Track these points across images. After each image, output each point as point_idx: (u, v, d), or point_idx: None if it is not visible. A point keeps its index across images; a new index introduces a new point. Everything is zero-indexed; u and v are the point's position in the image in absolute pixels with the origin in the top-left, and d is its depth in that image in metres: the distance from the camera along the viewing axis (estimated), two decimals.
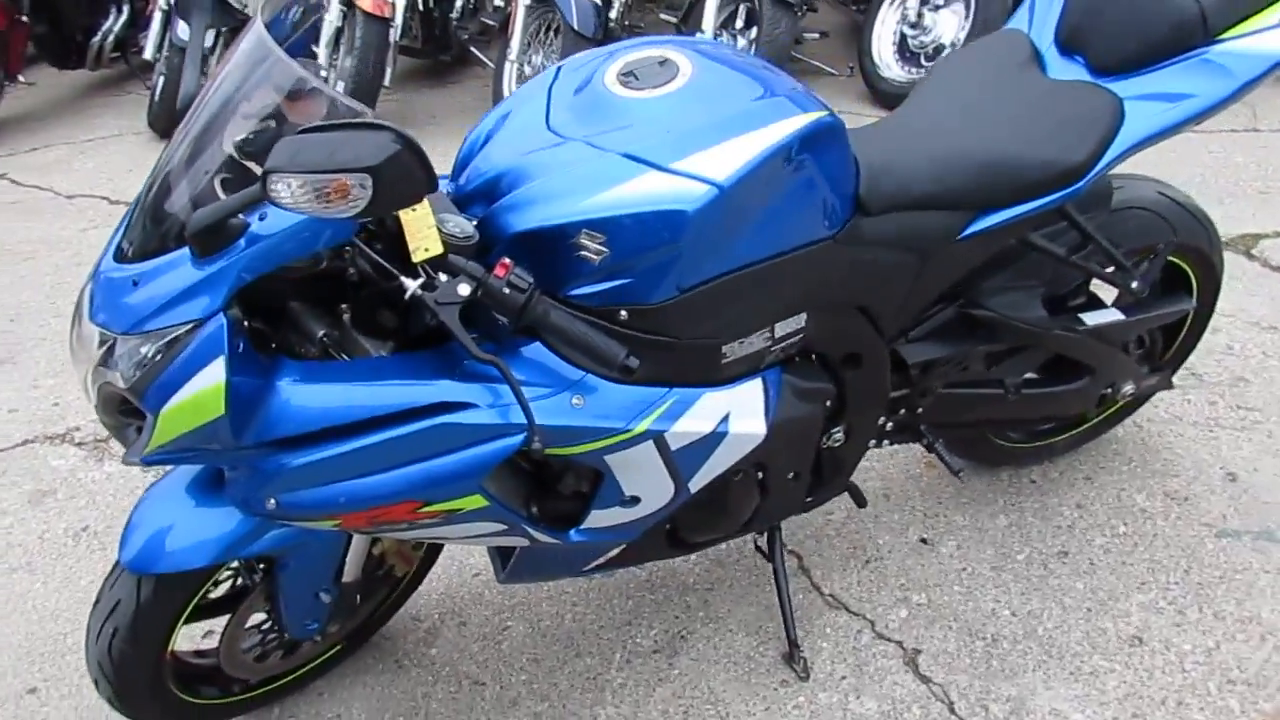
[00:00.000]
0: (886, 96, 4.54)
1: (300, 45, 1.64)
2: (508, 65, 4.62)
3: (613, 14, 4.72)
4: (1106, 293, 2.00)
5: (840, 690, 1.89)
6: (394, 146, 1.10)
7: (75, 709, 1.95)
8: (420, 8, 5.15)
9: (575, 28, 4.30)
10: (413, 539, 1.70)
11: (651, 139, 1.36)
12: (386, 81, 4.62)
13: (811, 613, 2.05)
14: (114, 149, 4.95)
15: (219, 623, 1.77)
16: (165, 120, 4.83)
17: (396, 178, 1.11)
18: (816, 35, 4.98)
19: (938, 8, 4.52)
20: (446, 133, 4.60)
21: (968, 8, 4.36)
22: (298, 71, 1.25)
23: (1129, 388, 2.11)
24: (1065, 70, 1.79)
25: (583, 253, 1.34)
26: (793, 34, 4.43)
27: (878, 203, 1.55)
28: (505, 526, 1.50)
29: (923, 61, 4.53)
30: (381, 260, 1.28)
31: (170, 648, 1.65)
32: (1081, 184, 1.66)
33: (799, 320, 1.55)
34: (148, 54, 5.05)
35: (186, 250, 1.24)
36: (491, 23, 5.39)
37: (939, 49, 4.47)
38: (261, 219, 1.23)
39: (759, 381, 1.55)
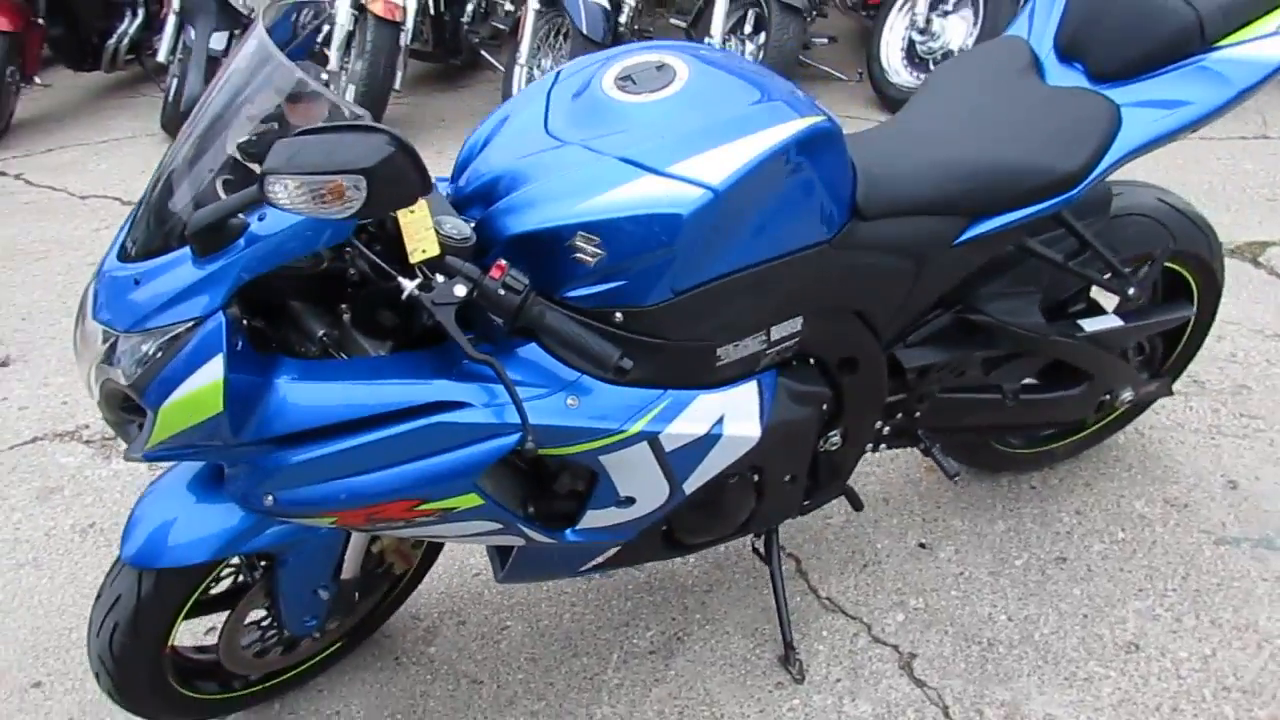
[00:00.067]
0: (894, 102, 4.55)
1: (304, 48, 1.65)
2: (517, 69, 4.65)
3: (622, 18, 4.74)
4: (1108, 299, 2.00)
5: (835, 693, 1.90)
6: (388, 149, 1.11)
7: (79, 703, 1.98)
8: (431, 12, 5.19)
9: (584, 32, 4.33)
10: (410, 537, 1.71)
11: (647, 143, 1.38)
12: (397, 85, 4.66)
13: (808, 615, 2.06)
14: (127, 150, 5.00)
15: (221, 619, 1.79)
16: (179, 122, 4.81)
17: (391, 179, 1.13)
18: (825, 40, 4.99)
19: (946, 14, 4.53)
20: (456, 136, 4.63)
21: (976, 14, 4.38)
22: (297, 74, 1.26)
23: (1128, 394, 2.12)
24: (1064, 77, 1.80)
25: (578, 255, 1.35)
26: (800, 39, 4.45)
27: (874, 207, 1.56)
28: (501, 526, 1.51)
29: (930, 67, 4.53)
30: (379, 261, 1.30)
31: (171, 642, 1.67)
32: (1078, 190, 1.67)
33: (795, 324, 1.56)
34: (161, 56, 5.09)
35: (187, 250, 1.26)
36: (502, 27, 5.42)
37: (947, 55, 4.49)
38: (261, 219, 1.25)
39: (754, 384, 1.56)
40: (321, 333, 1.37)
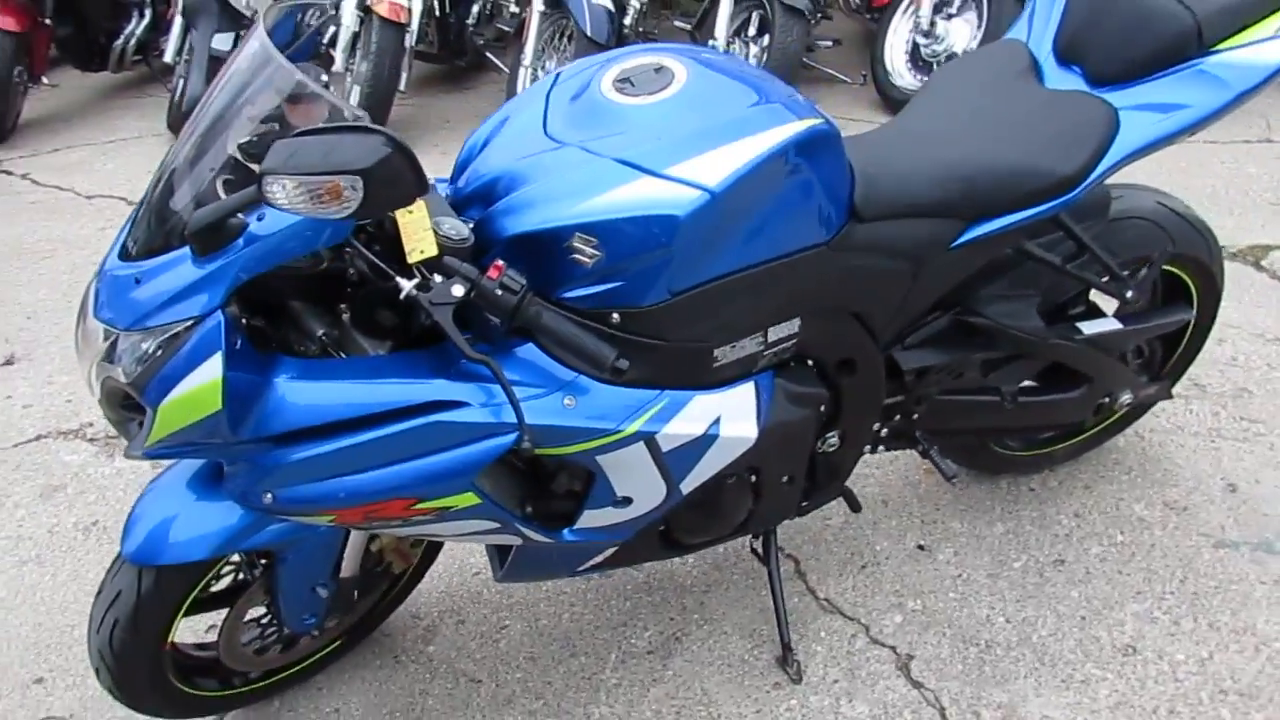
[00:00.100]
0: (898, 105, 4.53)
1: (306, 49, 1.66)
2: (522, 71, 4.66)
3: (627, 20, 4.76)
4: (1108, 303, 2.00)
5: (832, 694, 1.91)
6: (385, 150, 1.13)
7: (80, 699, 1.99)
8: (437, 13, 5.21)
9: (588, 34, 4.34)
10: (407, 535, 1.73)
11: (645, 145, 1.39)
12: (402, 86, 4.67)
13: (806, 617, 2.07)
14: (134, 150, 5.02)
15: (222, 616, 1.80)
16: (184, 123, 4.87)
17: (387, 180, 1.14)
18: (829, 43, 4.99)
19: (950, 16, 4.53)
20: (460, 137, 4.59)
21: (980, 17, 4.38)
22: (297, 76, 1.27)
23: (1127, 397, 2.12)
24: (1062, 80, 1.80)
25: (576, 256, 1.36)
26: (804, 41, 4.46)
27: (872, 210, 1.57)
28: (498, 525, 1.52)
29: (934, 70, 4.54)
30: (378, 261, 1.31)
31: (170, 639, 1.68)
32: (1075, 193, 1.67)
33: (792, 325, 1.57)
34: (168, 57, 5.12)
35: (188, 249, 1.27)
36: (507, 29, 5.44)
37: (951, 57, 4.49)
38: (260, 219, 1.26)
39: (751, 385, 1.56)
40: (321, 332, 1.38)
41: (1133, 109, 1.70)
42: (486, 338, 1.41)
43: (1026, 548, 2.19)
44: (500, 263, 1.30)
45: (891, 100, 4.64)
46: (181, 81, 4.95)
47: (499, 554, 1.73)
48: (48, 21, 5.20)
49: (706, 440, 1.52)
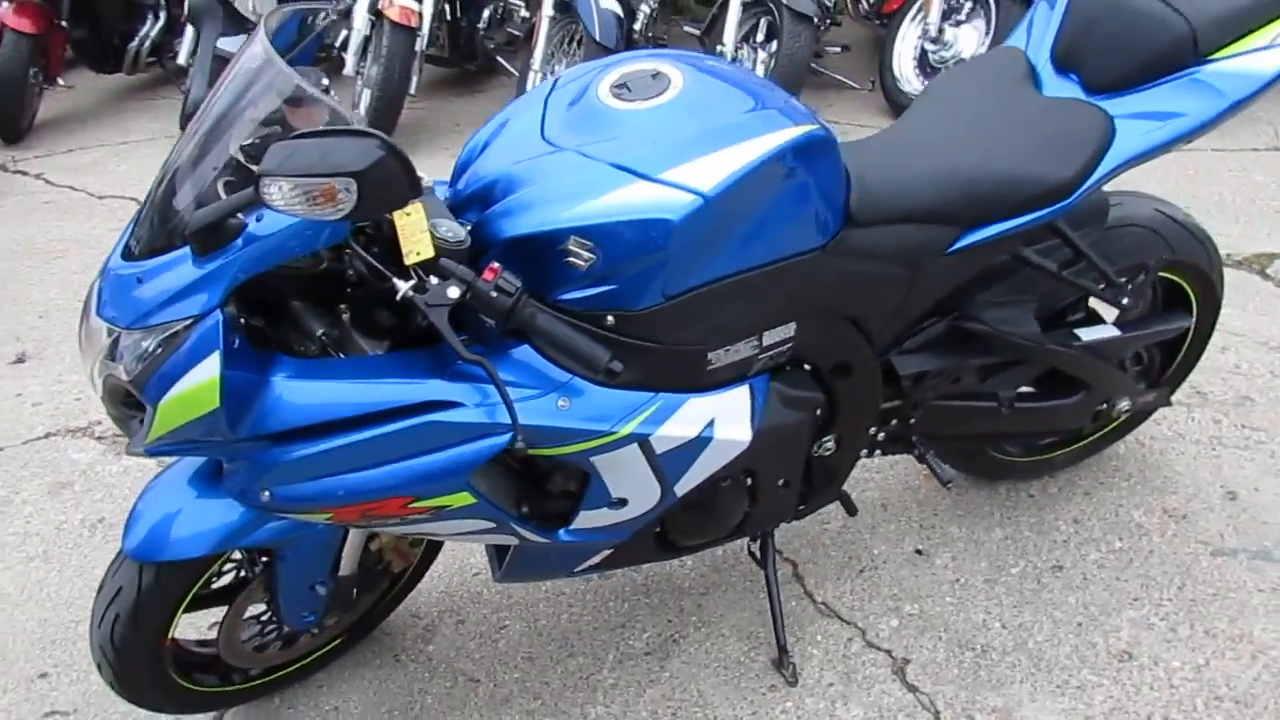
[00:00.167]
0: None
1: (310, 52, 1.68)
2: (531, 75, 4.68)
3: (636, 26, 4.77)
4: (1108, 310, 2.00)
5: (828, 697, 1.91)
6: (379, 153, 1.15)
7: (83, 694, 2.01)
8: (448, 17, 5.24)
9: (597, 39, 4.36)
10: (404, 534, 1.74)
11: (640, 149, 1.40)
12: (412, 90, 4.70)
13: (803, 620, 2.08)
14: (146, 152, 5.06)
15: (223, 613, 1.82)
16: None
17: (381, 183, 1.16)
18: (838, 49, 5.00)
19: (959, 23, 4.53)
20: None
21: (988, 24, 4.39)
22: (296, 79, 1.29)
23: (1125, 404, 2.12)
24: (1060, 88, 1.81)
25: (571, 259, 1.37)
26: (813, 48, 4.46)
27: (868, 215, 1.58)
28: (494, 525, 1.54)
29: None
30: (375, 262, 1.33)
31: (171, 635, 1.70)
32: (1070, 200, 1.68)
33: (788, 329, 1.58)
34: (182, 59, 5.17)
35: (188, 249, 1.29)
36: (517, 33, 5.45)
37: (959, 64, 4.49)
38: (259, 220, 1.28)
39: (746, 388, 1.58)
40: (321, 332, 1.40)
41: (1128, 117, 1.70)
42: (483, 339, 1.43)
43: (1024, 553, 2.20)
44: (496, 265, 1.31)
45: (899, 106, 4.64)
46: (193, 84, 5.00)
47: (498, 554, 1.75)
48: (63, 23, 5.27)
49: (700, 443, 1.53)
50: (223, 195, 1.33)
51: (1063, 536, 2.23)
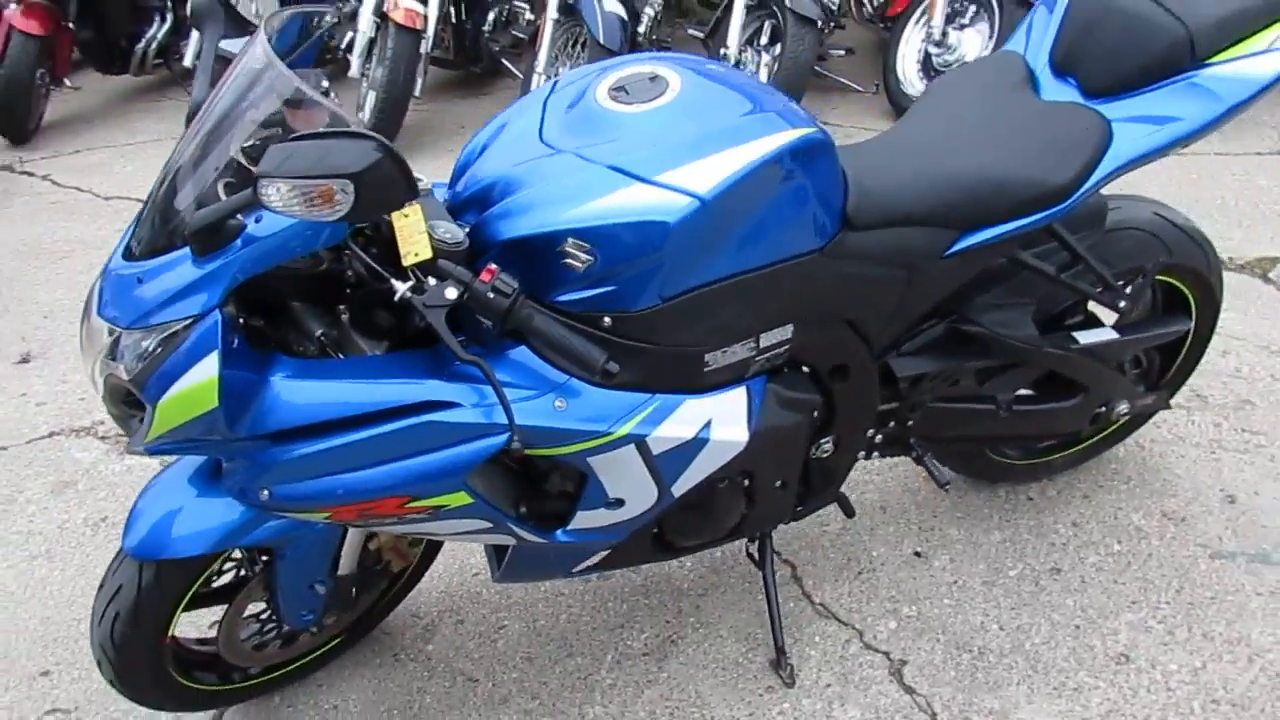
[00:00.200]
0: None
1: (311, 54, 1.70)
2: (536, 77, 4.69)
3: (640, 29, 4.78)
4: (1108, 313, 2.00)
5: (825, 698, 1.92)
6: (375, 155, 1.16)
7: (85, 691, 2.02)
8: (453, 20, 5.25)
9: (601, 41, 4.37)
10: (403, 533, 1.75)
11: (637, 152, 1.41)
12: (417, 92, 4.71)
13: (801, 621, 2.08)
14: (152, 153, 5.08)
15: (222, 611, 1.83)
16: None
17: (377, 184, 1.17)
18: (842, 52, 5.01)
19: (963, 26, 4.54)
20: None
21: (992, 27, 4.39)
22: (295, 82, 1.30)
23: (1124, 407, 2.12)
24: (1058, 91, 1.81)
25: (569, 260, 1.38)
26: (816, 50, 4.47)
27: (865, 218, 1.59)
28: (491, 524, 1.55)
29: None
30: (374, 263, 1.33)
31: (171, 633, 1.71)
32: (1068, 204, 1.68)
33: (785, 331, 1.58)
34: (188, 61, 5.20)
35: (188, 249, 1.31)
36: (522, 36, 5.47)
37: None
38: (258, 221, 1.29)
39: (743, 390, 1.58)
40: (319, 332, 1.42)
41: (1126, 121, 1.71)
42: (480, 340, 1.44)
43: (1023, 556, 2.20)
44: (493, 266, 1.32)
45: (903, 110, 4.60)
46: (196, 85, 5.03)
47: (497, 554, 1.76)
48: (70, 25, 5.29)
49: (697, 444, 1.54)
50: (223, 196, 1.34)
51: (1061, 539, 2.23)
